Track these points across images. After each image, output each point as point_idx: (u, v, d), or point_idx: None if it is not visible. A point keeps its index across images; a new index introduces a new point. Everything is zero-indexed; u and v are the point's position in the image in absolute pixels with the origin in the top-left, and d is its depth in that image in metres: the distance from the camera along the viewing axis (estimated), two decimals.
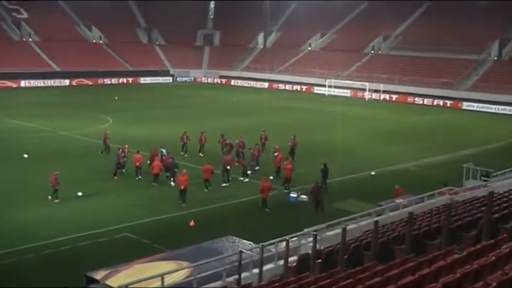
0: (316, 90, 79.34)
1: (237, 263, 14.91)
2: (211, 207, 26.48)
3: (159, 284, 14.14)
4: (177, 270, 15.42)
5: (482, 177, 28.82)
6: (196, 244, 18.38)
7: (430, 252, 13.52)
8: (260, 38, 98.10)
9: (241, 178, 30.95)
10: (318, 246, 15.53)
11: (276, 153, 32.50)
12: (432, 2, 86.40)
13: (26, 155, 34.72)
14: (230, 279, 14.99)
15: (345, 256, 14.48)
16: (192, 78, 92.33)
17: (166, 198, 27.68)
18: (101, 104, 60.94)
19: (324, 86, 77.82)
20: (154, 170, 29.74)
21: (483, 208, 16.51)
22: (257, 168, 32.80)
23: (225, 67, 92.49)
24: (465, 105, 67.06)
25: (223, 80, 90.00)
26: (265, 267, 15.32)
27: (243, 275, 15.00)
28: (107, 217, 24.48)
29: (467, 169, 29.77)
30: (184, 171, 27.79)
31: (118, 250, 20.83)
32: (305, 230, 17.74)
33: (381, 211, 21.92)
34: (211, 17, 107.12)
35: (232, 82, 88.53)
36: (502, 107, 64.25)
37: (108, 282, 15.10)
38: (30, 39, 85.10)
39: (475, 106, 66.09)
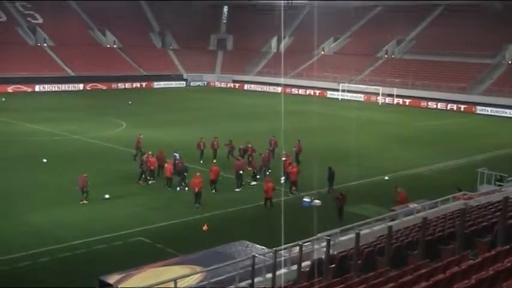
0: (330, 94, 79.23)
1: (250, 268, 14.91)
2: (224, 212, 26.58)
3: None
4: (190, 275, 15.45)
5: (497, 182, 28.60)
6: (209, 248, 18.46)
7: (444, 258, 13.41)
8: (273, 42, 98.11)
9: (249, 181, 31.08)
10: (331, 251, 15.50)
11: (284, 158, 32.58)
12: (445, 6, 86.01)
13: (45, 160, 34.98)
14: (243, 283, 14.99)
15: (359, 261, 14.44)
16: (206, 83, 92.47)
17: (180, 202, 27.81)
18: (115, 108, 61.24)
19: (337, 90, 77.64)
20: (166, 173, 30.13)
21: (498, 213, 16.37)
22: (269, 171, 32.92)
23: (238, 71, 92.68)
24: (479, 110, 66.65)
25: (237, 85, 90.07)
26: (278, 272, 15.31)
27: (256, 279, 15.01)
28: (121, 221, 24.66)
29: (481, 174, 29.51)
30: (198, 174, 27.88)
31: (132, 254, 20.94)
32: (318, 235, 17.73)
33: (395, 216, 21.84)
34: (225, 21, 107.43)
35: (246, 86, 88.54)
36: None
37: (121, 286, 15.18)
38: (45, 44, 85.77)
39: (489, 110, 65.73)
